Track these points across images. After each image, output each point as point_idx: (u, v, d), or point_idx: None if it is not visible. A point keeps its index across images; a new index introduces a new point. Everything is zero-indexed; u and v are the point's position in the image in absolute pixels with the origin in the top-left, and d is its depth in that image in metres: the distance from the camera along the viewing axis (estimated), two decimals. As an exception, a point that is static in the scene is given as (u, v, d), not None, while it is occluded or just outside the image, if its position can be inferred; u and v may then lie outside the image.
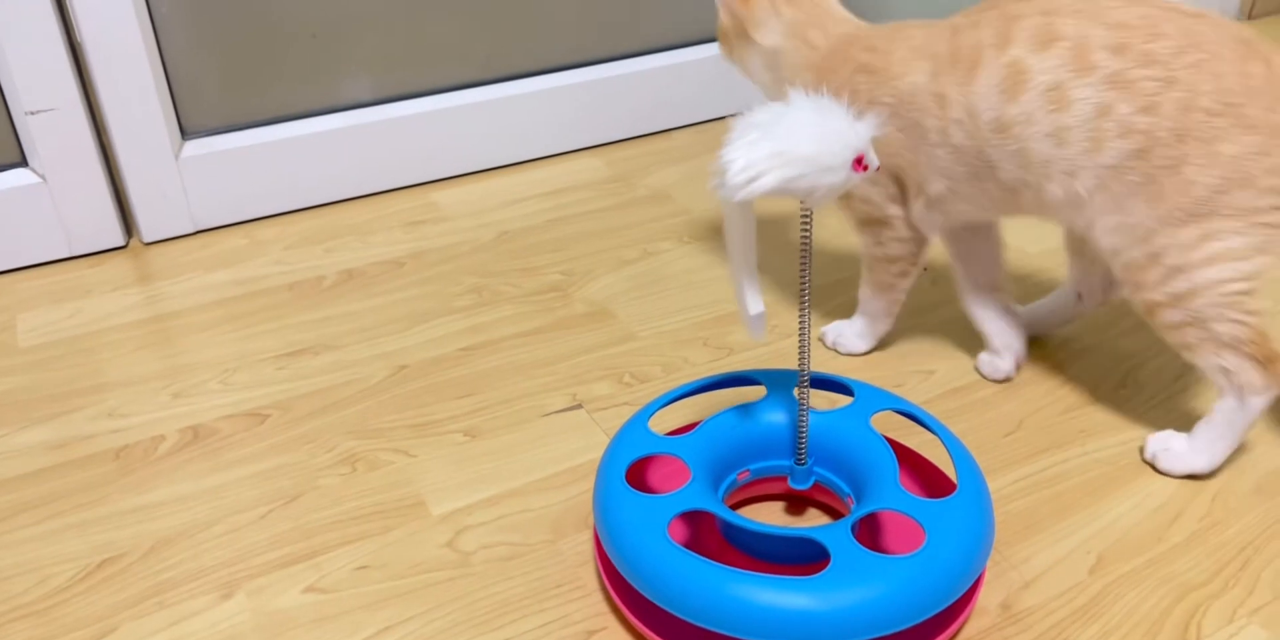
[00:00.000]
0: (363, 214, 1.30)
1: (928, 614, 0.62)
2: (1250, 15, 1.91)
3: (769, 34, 0.90)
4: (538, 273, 1.15)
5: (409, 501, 0.82)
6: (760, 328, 0.69)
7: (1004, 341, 0.93)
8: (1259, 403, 0.78)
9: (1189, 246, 0.73)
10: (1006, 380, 0.93)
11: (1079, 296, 0.95)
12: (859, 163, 0.60)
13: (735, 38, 0.93)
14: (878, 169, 0.63)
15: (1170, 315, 0.76)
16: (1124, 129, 0.73)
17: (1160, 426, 0.87)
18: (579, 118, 1.44)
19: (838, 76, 0.86)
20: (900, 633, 0.64)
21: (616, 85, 1.44)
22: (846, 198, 0.89)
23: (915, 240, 0.89)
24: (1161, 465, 0.82)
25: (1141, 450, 0.84)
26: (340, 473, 0.85)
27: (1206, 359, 0.77)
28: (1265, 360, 0.76)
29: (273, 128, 1.28)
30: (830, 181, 0.60)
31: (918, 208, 0.86)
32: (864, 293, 0.96)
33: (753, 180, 0.59)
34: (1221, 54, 0.71)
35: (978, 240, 0.92)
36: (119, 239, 1.23)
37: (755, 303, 0.68)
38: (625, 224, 1.26)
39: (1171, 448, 0.82)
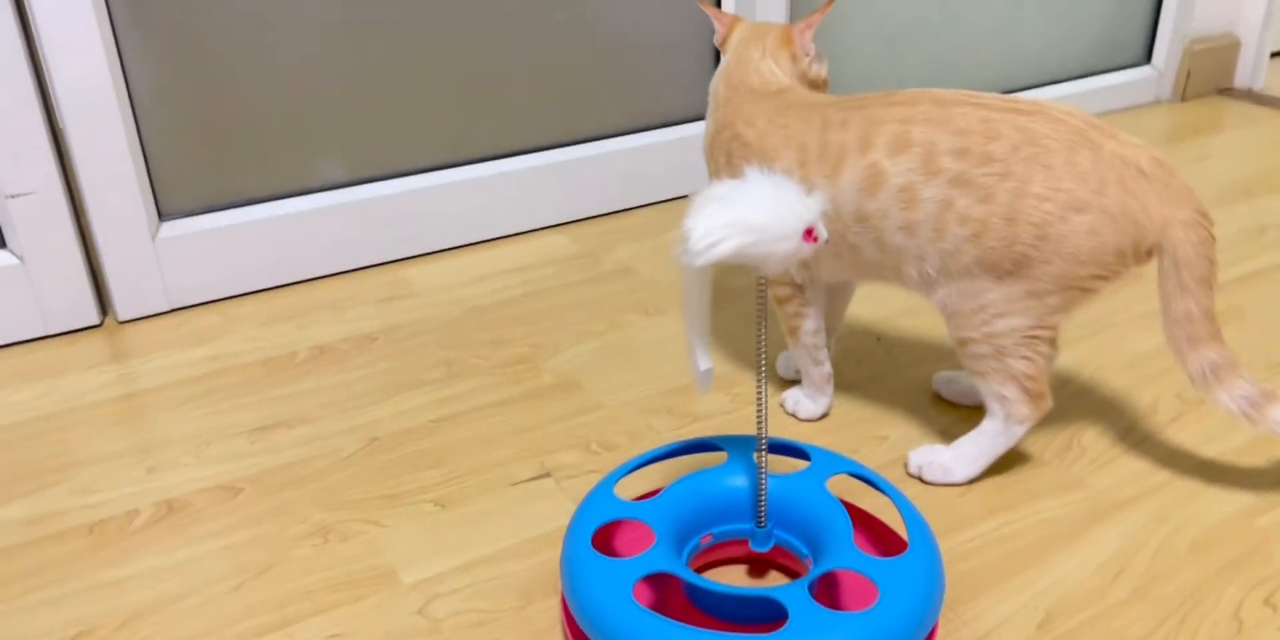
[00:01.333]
0: (336, 291, 1.34)
1: (882, 669, 0.64)
2: (1184, 97, 2.04)
3: (719, 70, 1.02)
4: (507, 345, 1.19)
5: (380, 571, 0.84)
6: (707, 383, 0.74)
7: (820, 384, 1.02)
8: (1019, 430, 0.90)
9: (1012, 300, 0.84)
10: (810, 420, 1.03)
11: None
12: (809, 234, 0.65)
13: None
14: (826, 241, 0.67)
15: (978, 348, 0.87)
16: (962, 218, 0.83)
17: (1102, 485, 0.91)
18: (546, 197, 1.50)
19: (721, 138, 0.97)
20: (857, 689, 0.67)
21: (582, 166, 1.51)
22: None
23: (789, 284, 0.98)
24: (927, 477, 0.92)
25: (905, 466, 0.94)
26: (312, 544, 0.87)
27: (992, 386, 0.89)
28: (1035, 396, 0.88)
29: (248, 209, 1.33)
30: (783, 249, 0.65)
31: (790, 267, 0.95)
32: (790, 348, 1.03)
33: (712, 247, 0.64)
34: (1051, 147, 0.81)
35: (834, 292, 1.04)
36: (94, 318, 1.26)
37: (704, 360, 0.72)
38: (592, 298, 1.30)
39: (936, 461, 0.92)
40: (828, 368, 1.01)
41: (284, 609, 0.80)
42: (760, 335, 0.71)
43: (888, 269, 0.90)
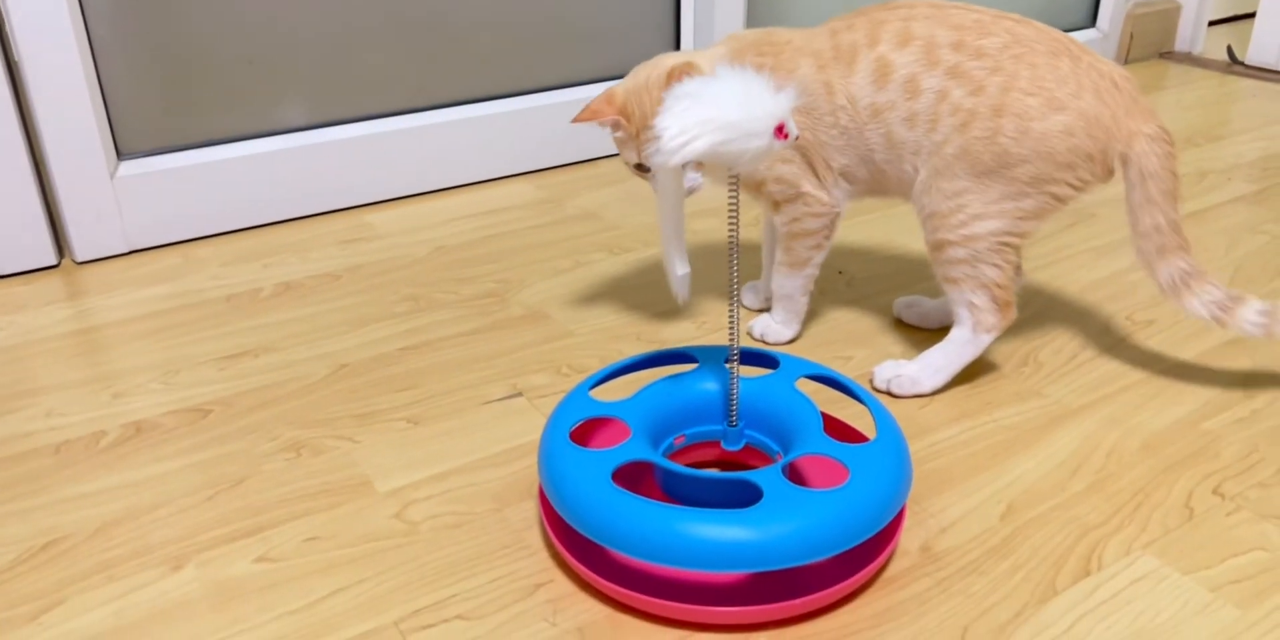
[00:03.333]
0: (298, 234, 1.33)
1: (855, 541, 0.66)
2: (1127, 60, 2.09)
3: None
4: (474, 282, 1.19)
5: (355, 481, 0.84)
6: (685, 288, 0.75)
7: (800, 312, 1.05)
8: (986, 339, 0.93)
9: (990, 202, 0.88)
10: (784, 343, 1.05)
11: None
12: (780, 131, 0.67)
13: None
14: (796, 139, 0.69)
15: (955, 252, 0.90)
16: (954, 108, 0.87)
17: (1058, 395, 0.94)
18: (509, 145, 1.50)
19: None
20: (828, 565, 0.69)
21: (545, 114, 1.51)
22: (761, 185, 0.96)
23: (828, 214, 0.97)
24: (895, 390, 0.94)
25: (871, 380, 0.96)
26: (285, 458, 0.87)
27: (963, 293, 0.92)
28: (1004, 305, 0.92)
29: (209, 149, 1.31)
30: (756, 146, 0.66)
31: (829, 181, 0.96)
32: (779, 275, 1.03)
33: (685, 145, 0.65)
34: (1037, 49, 0.86)
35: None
36: (50, 258, 1.24)
37: (681, 264, 0.73)
38: (557, 239, 1.31)
39: (903, 373, 0.94)
40: (808, 302, 1.04)
41: (258, 516, 0.80)
42: (732, 233, 0.73)
43: (892, 168, 0.93)
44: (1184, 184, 1.45)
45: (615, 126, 0.93)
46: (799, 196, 0.96)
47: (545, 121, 1.51)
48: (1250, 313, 0.88)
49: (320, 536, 0.78)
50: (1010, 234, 0.89)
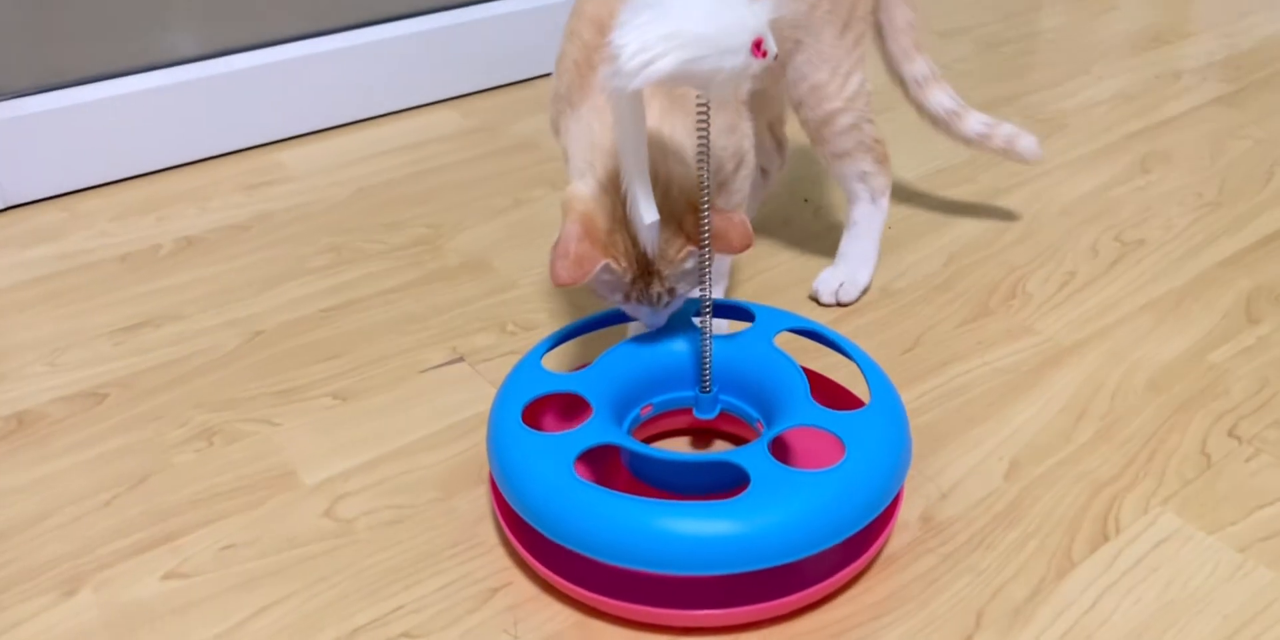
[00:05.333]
0: (197, 179, 1.19)
1: (857, 527, 0.58)
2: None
3: None
4: (402, 227, 1.07)
5: (276, 472, 0.74)
6: (654, 239, 0.64)
7: None
8: (885, 203, 0.92)
9: (850, 50, 0.85)
10: None
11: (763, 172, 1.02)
12: (758, 47, 0.55)
13: None
14: (775, 58, 0.58)
15: (845, 118, 0.86)
16: None
17: (1051, 331, 0.87)
18: (430, 68, 1.35)
19: None
20: (823, 552, 0.61)
21: (468, 33, 1.36)
22: (725, 188, 0.82)
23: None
24: (844, 297, 0.91)
25: (816, 298, 0.91)
26: (195, 448, 0.76)
27: (856, 165, 0.89)
28: (885, 160, 0.90)
29: (88, 88, 1.15)
30: (731, 65, 0.54)
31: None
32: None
33: (648, 64, 0.53)
34: None
35: None
36: (-88, 220, 1.09)
37: (649, 211, 0.62)
38: (492, 173, 1.18)
39: (843, 280, 0.91)
40: None
41: (167, 522, 0.69)
42: (703, 168, 0.62)
43: (779, 67, 0.85)
44: (1159, 86, 1.37)
45: (608, 270, 0.65)
46: (751, 143, 0.80)
47: (469, 41, 1.36)
48: (976, 123, 0.96)
49: (238, 543, 0.67)
50: (866, 80, 0.87)
